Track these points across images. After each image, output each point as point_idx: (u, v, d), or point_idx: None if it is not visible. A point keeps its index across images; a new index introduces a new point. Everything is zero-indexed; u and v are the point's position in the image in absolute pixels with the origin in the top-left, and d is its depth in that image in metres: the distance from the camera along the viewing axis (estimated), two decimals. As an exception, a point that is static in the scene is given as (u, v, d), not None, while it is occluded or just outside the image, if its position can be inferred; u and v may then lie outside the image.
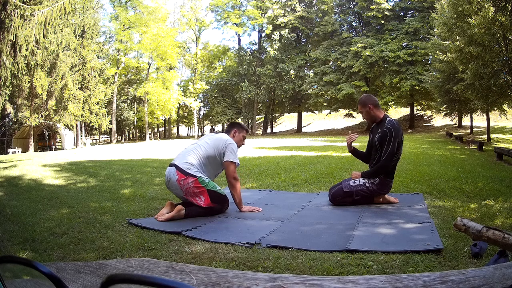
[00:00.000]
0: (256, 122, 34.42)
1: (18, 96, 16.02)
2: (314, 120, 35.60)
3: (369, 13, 24.47)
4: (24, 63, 10.03)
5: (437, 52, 12.95)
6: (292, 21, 28.48)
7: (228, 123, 3.13)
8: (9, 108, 15.44)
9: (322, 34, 27.45)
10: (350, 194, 2.83)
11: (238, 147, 2.91)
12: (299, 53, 30.03)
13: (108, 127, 21.76)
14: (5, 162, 8.53)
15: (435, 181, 3.65)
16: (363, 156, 3.19)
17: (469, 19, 8.48)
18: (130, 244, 1.99)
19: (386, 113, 3.04)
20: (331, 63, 27.22)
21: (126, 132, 36.19)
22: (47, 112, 16.80)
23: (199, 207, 2.64)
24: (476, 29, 8.14)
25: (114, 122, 26.18)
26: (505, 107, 11.90)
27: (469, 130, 16.87)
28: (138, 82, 30.43)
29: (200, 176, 2.64)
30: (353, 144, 3.19)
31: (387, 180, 2.84)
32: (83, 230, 2.31)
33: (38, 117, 16.29)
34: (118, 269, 0.73)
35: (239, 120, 35.97)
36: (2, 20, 8.35)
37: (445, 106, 15.43)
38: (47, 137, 19.63)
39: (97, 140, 32.31)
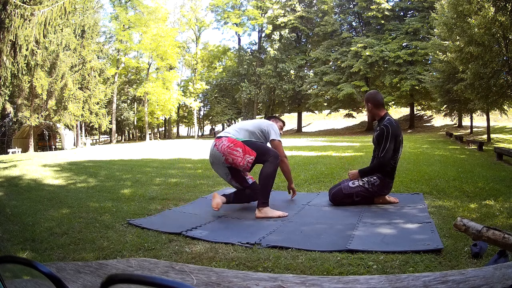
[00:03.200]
0: (256, 122, 34.33)
1: (18, 96, 16.02)
2: (314, 120, 35.60)
3: (369, 13, 24.47)
4: (24, 63, 10.02)
5: (437, 52, 12.94)
6: (292, 21, 28.48)
7: (268, 116, 3.47)
8: (9, 108, 15.45)
9: (322, 34, 27.45)
10: (350, 196, 2.82)
11: None
12: (299, 53, 30.03)
13: (108, 127, 21.77)
14: (5, 162, 8.53)
15: (435, 181, 3.65)
16: (374, 168, 2.97)
17: (469, 19, 8.48)
18: (130, 244, 1.99)
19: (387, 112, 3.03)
20: (331, 63, 27.21)
21: (126, 132, 36.20)
22: (47, 112, 16.80)
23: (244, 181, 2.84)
24: (476, 29, 8.14)
25: (114, 122, 26.19)
26: (505, 107, 11.87)
27: (469, 130, 16.85)
28: (138, 82, 30.44)
29: (232, 135, 2.76)
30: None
31: (387, 180, 2.83)
32: (83, 230, 2.32)
33: (38, 117, 16.29)
34: (118, 269, 0.73)
35: (239, 120, 36.02)
36: (2, 20, 8.35)
37: (445, 106, 15.42)
38: (47, 137, 19.64)
39: (97, 140, 32.31)
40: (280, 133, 3.12)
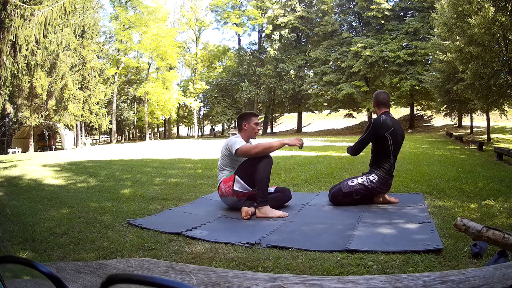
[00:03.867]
0: (256, 122, 34.33)
1: (18, 96, 16.02)
2: (314, 120, 35.61)
3: (369, 13, 24.47)
4: (24, 63, 10.02)
5: (437, 52, 12.93)
6: (292, 21, 28.49)
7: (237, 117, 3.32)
8: (9, 108, 15.45)
9: (322, 34, 27.45)
10: (350, 194, 2.83)
11: (255, 133, 2.99)
12: (299, 53, 30.03)
13: (108, 127, 21.78)
14: (5, 162, 8.53)
15: (435, 181, 3.65)
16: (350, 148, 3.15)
17: (469, 19, 8.47)
18: (130, 244, 1.99)
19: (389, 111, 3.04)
20: (331, 63, 27.21)
21: (126, 132, 36.20)
22: (47, 112, 16.80)
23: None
24: (476, 29, 8.13)
25: (114, 122, 26.18)
26: (505, 107, 11.87)
27: (469, 130, 16.85)
28: (138, 82, 30.44)
29: (226, 176, 2.80)
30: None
31: (386, 177, 2.85)
32: (83, 230, 2.31)
33: (38, 117, 16.30)
34: (118, 269, 0.73)
35: (239, 120, 35.90)
36: (2, 20, 8.35)
37: (445, 106, 15.42)
38: (47, 137, 19.63)
39: (97, 140, 32.31)
40: (258, 130, 3.00)
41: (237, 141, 2.78)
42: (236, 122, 3.30)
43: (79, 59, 18.35)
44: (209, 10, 33.24)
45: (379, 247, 1.77)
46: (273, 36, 29.19)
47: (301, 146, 2.64)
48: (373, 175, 2.85)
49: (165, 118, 32.91)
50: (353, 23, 29.00)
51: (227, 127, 38.83)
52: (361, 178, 2.86)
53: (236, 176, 2.73)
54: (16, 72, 10.01)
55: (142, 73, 31.09)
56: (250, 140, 3.01)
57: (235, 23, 31.99)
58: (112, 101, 26.20)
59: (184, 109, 36.47)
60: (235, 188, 2.71)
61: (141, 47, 27.68)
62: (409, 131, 22.51)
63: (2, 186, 4.58)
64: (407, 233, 2.03)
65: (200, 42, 34.58)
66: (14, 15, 8.52)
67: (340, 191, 2.86)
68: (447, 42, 11.32)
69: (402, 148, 2.95)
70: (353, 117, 27.62)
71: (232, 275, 0.66)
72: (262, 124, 34.80)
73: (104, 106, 21.23)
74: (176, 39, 31.25)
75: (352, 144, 3.11)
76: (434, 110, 22.56)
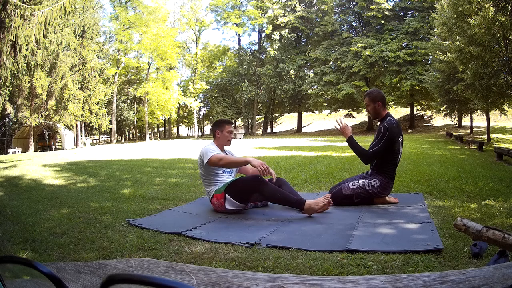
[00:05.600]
0: (256, 122, 34.42)
1: (18, 96, 16.04)
2: (314, 120, 35.62)
3: (369, 13, 24.48)
4: (24, 63, 10.01)
5: (437, 52, 12.94)
6: (292, 21, 28.50)
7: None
8: (9, 108, 15.45)
9: (322, 34, 27.46)
10: (350, 197, 2.82)
11: (229, 141, 2.95)
12: (299, 53, 30.04)
13: (108, 127, 21.79)
14: (5, 162, 8.54)
15: (435, 181, 3.65)
16: (360, 151, 2.94)
17: (469, 19, 8.48)
18: (130, 244, 1.99)
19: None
20: (331, 63, 27.22)
21: (126, 132, 36.23)
22: (47, 112, 16.82)
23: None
24: (476, 29, 8.13)
25: (114, 122, 26.20)
26: (505, 107, 11.88)
27: (469, 130, 16.86)
28: (138, 82, 30.46)
29: (215, 190, 2.76)
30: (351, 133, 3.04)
31: (387, 182, 2.83)
32: (83, 230, 2.31)
33: (38, 117, 16.31)
34: (118, 269, 0.73)
35: (239, 121, 36.00)
36: (2, 20, 8.35)
37: (445, 106, 15.43)
38: (47, 137, 19.65)
39: (97, 140, 32.33)
40: (232, 137, 2.96)
41: (208, 151, 2.76)
42: (212, 130, 3.23)
43: (79, 59, 18.36)
44: (209, 10, 33.28)
45: (379, 247, 1.76)
46: (273, 36, 29.20)
47: (263, 173, 2.49)
48: (375, 179, 2.81)
49: (165, 118, 32.93)
50: (353, 23, 29.01)
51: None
52: (363, 181, 2.83)
53: (227, 195, 2.65)
54: (16, 72, 10.01)
55: (142, 73, 31.11)
56: (225, 148, 2.98)
57: (235, 23, 32.01)
58: (112, 101, 26.22)
59: (184, 109, 36.49)
60: (227, 207, 2.67)
61: (141, 47, 27.70)
62: (409, 131, 22.51)
63: (2, 186, 4.58)
64: (407, 233, 2.03)
65: (200, 42, 34.61)
66: (14, 15, 8.52)
67: (340, 192, 2.85)
68: (447, 42, 11.32)
69: (402, 148, 2.95)
70: (353, 117, 27.65)
71: (232, 275, 0.66)
72: (262, 124, 34.87)
73: (104, 106, 21.26)
74: (176, 39, 31.32)
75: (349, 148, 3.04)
76: (434, 110, 22.57)
